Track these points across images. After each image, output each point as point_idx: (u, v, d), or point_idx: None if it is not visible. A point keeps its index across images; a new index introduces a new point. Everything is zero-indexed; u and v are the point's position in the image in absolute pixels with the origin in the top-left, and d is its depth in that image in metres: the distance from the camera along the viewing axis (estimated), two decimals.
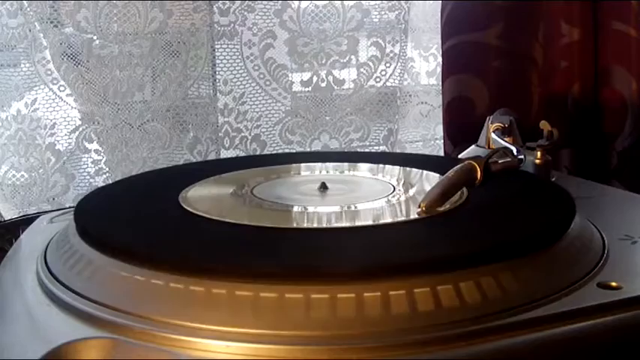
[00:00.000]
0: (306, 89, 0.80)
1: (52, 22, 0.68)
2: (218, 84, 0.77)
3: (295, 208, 0.47)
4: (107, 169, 0.74)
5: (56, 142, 0.71)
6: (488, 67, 0.80)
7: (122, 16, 0.71)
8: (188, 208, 0.45)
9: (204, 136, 0.77)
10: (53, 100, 0.71)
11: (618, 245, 0.43)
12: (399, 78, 0.83)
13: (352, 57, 0.81)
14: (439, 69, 0.82)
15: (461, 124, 0.80)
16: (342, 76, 0.81)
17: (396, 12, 0.81)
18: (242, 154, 0.78)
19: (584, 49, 0.81)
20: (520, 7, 0.80)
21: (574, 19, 0.80)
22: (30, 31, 0.68)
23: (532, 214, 0.44)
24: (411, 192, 0.50)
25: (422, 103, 0.86)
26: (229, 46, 0.77)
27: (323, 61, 0.79)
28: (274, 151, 0.80)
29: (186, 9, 0.74)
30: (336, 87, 0.81)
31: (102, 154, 0.73)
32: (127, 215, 0.46)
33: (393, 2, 0.81)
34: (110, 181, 0.72)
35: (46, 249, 0.44)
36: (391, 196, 0.49)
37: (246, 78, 0.78)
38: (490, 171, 0.46)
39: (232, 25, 0.76)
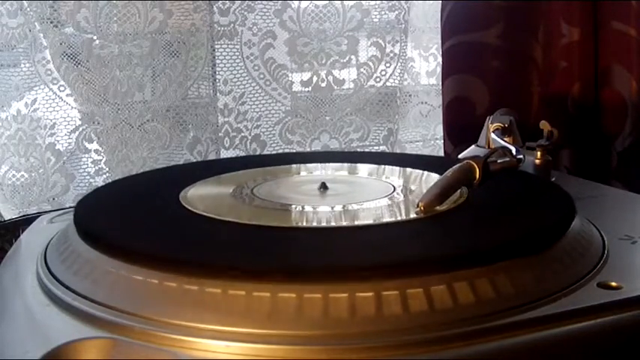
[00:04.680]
0: (306, 89, 0.80)
1: (52, 22, 0.68)
2: (218, 84, 0.77)
3: (295, 208, 0.47)
4: (107, 169, 0.73)
5: (56, 142, 0.71)
6: (488, 67, 0.80)
7: (122, 16, 0.71)
8: (188, 208, 0.45)
9: (204, 136, 0.77)
10: (53, 100, 0.71)
11: (618, 245, 0.43)
12: (399, 78, 0.83)
13: (352, 57, 0.81)
14: (439, 69, 0.82)
15: (461, 124, 0.80)
16: (342, 76, 0.81)
17: (396, 12, 0.81)
18: (242, 154, 0.78)
19: (584, 49, 0.80)
20: (520, 7, 0.80)
21: (574, 19, 0.80)
22: (30, 31, 0.68)
23: (532, 215, 0.44)
24: (411, 192, 0.50)
25: (422, 103, 0.86)
26: (229, 46, 0.77)
27: (323, 61, 0.79)
28: (274, 151, 0.80)
29: (186, 9, 0.74)
30: (336, 87, 0.81)
31: (102, 154, 0.73)
32: (127, 215, 0.46)
33: (393, 2, 0.81)
34: (110, 181, 0.72)
35: (46, 249, 0.44)
36: (391, 196, 0.49)
37: (246, 78, 0.78)
38: (489, 171, 0.46)
39: (232, 25, 0.76)
